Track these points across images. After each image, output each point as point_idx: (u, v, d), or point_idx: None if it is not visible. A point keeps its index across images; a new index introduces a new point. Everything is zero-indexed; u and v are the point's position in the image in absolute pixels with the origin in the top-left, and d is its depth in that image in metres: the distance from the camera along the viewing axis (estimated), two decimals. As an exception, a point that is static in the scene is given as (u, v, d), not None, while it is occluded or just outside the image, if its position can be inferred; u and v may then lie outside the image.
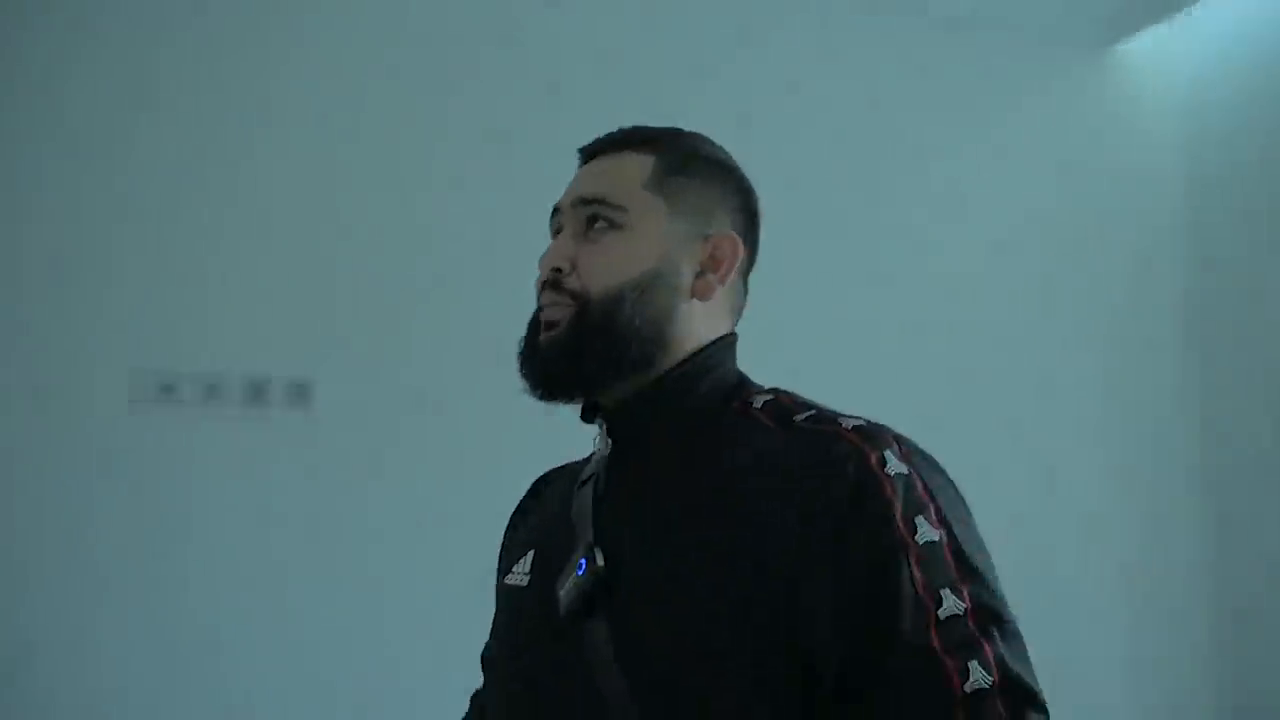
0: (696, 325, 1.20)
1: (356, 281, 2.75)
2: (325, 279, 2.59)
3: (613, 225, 1.19)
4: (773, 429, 1.11)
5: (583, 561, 1.11)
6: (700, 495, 1.10)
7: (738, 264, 1.22)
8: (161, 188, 2.86)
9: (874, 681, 0.97)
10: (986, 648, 0.97)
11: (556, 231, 1.23)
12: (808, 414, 1.11)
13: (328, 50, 3.03)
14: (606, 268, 1.17)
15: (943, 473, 1.08)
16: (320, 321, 2.64)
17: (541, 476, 1.38)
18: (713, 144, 1.28)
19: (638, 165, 1.21)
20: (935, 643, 0.97)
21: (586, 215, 1.20)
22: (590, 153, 1.26)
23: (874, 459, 1.03)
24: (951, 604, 0.98)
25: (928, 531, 1.00)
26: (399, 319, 2.95)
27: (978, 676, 0.95)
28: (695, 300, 1.20)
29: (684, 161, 1.23)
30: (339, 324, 2.61)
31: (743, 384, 1.21)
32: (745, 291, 1.27)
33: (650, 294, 1.17)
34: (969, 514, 1.08)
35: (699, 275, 1.20)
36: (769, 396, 1.16)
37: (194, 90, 2.92)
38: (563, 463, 1.34)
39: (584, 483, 1.20)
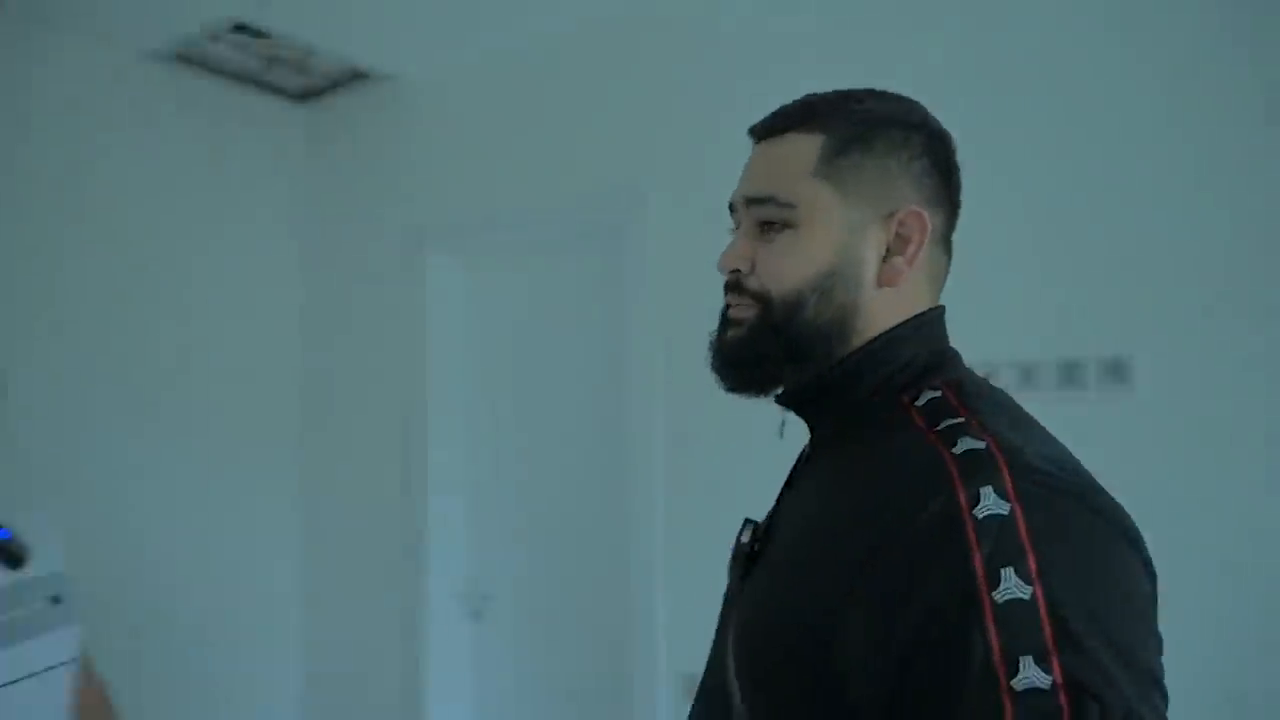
0: (884, 312, 1.12)
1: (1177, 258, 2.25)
2: (1140, 255, 2.23)
3: (786, 224, 1.12)
4: (917, 431, 1.02)
5: (745, 534, 1.16)
6: (827, 491, 1.08)
7: (929, 236, 1.12)
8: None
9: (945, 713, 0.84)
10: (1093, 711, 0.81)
11: (736, 227, 1.18)
12: (950, 422, 1.00)
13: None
14: (782, 270, 1.12)
15: (1088, 522, 0.90)
16: (1137, 298, 2.25)
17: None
18: (889, 99, 1.17)
19: (804, 150, 1.13)
20: (1007, 710, 0.82)
21: (757, 215, 1.14)
22: (758, 134, 1.17)
23: (964, 496, 0.90)
24: (1032, 674, 0.82)
25: (1014, 587, 0.85)
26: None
27: None
28: (885, 290, 1.12)
29: (855, 136, 1.13)
30: (1156, 299, 2.22)
31: (929, 371, 1.10)
32: (948, 255, 1.17)
33: (832, 292, 1.11)
34: (1118, 577, 0.89)
35: (885, 259, 1.12)
36: (936, 394, 1.06)
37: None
38: None
39: (799, 458, 1.22)
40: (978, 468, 0.91)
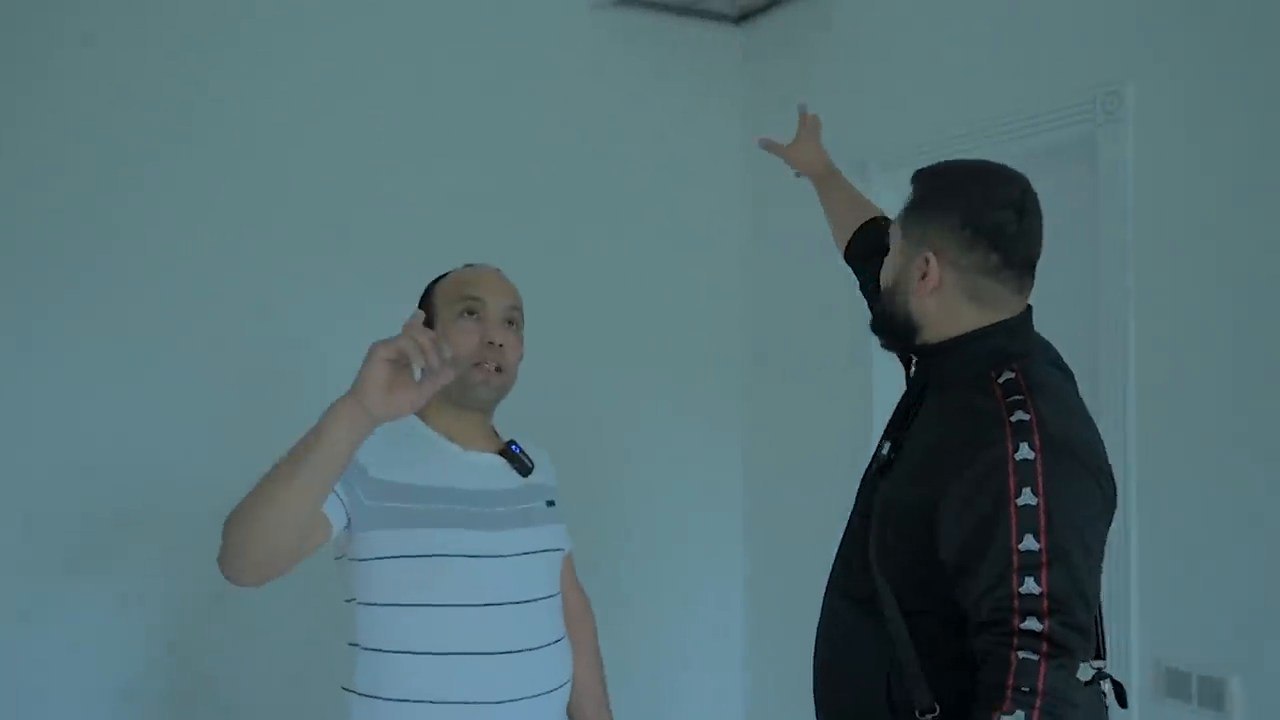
0: (932, 314, 1.76)
1: None
2: None
3: (890, 245, 1.84)
4: (994, 399, 1.63)
5: (886, 445, 1.81)
6: (932, 428, 1.73)
7: (945, 274, 1.73)
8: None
9: (975, 573, 1.57)
10: (1043, 571, 1.53)
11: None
12: (1014, 398, 1.62)
13: None
14: (884, 273, 1.85)
15: (1074, 471, 1.60)
16: None
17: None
18: (956, 174, 1.81)
19: (905, 202, 1.81)
20: (1013, 560, 1.54)
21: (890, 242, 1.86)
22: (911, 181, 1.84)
23: (1011, 448, 1.57)
24: (1029, 542, 1.54)
25: (1028, 497, 1.54)
26: None
27: (1030, 586, 1.53)
28: (922, 298, 1.76)
29: (918, 201, 1.79)
30: None
31: (1010, 358, 1.70)
32: (996, 282, 1.73)
33: (896, 295, 1.80)
34: (1084, 500, 1.61)
35: (921, 280, 1.75)
36: (1012, 375, 1.66)
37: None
38: None
39: (909, 394, 1.87)
40: (1022, 432, 1.57)
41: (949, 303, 1.75)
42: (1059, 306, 2.77)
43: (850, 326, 3.31)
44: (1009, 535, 1.55)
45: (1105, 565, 1.68)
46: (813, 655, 1.90)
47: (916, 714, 1.65)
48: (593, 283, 3.56)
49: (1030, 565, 1.53)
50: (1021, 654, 1.52)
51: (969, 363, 1.72)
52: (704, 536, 3.74)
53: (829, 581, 1.89)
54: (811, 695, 1.90)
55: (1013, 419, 1.59)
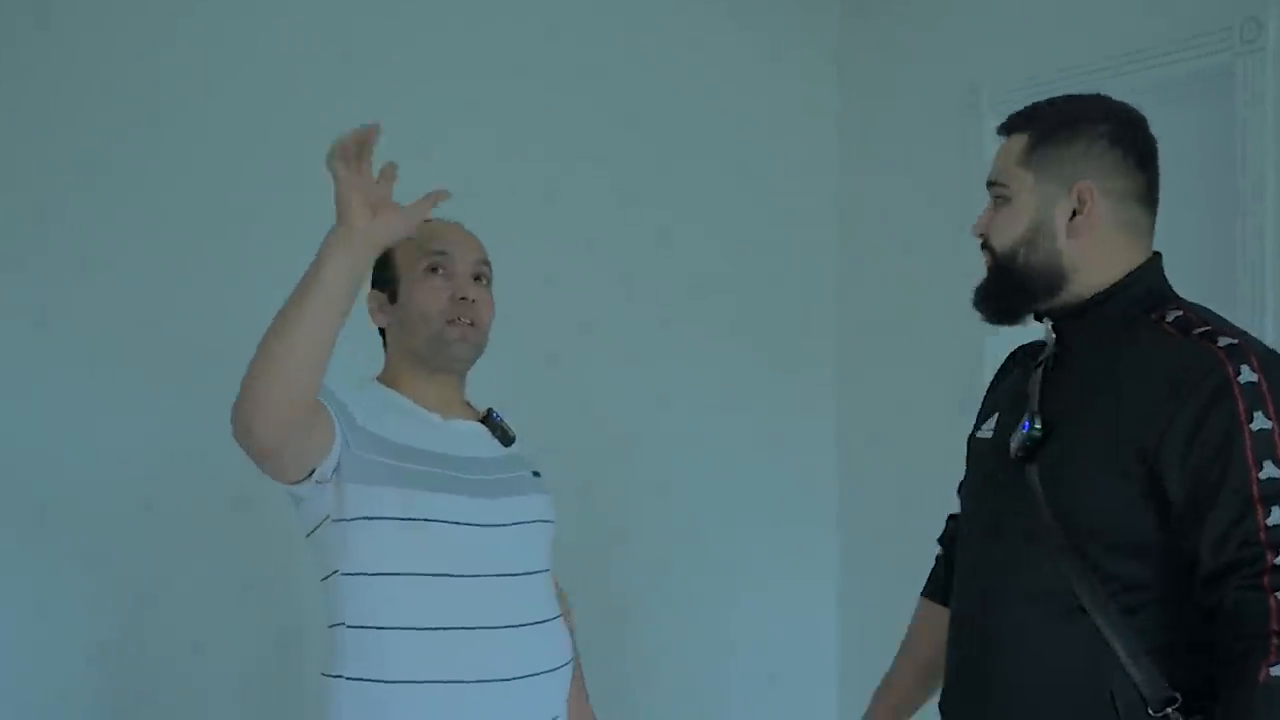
0: (1093, 257, 1.66)
1: None
2: None
3: (1004, 200, 1.70)
4: (1173, 336, 1.58)
5: (1026, 423, 1.66)
6: (1108, 382, 1.62)
7: (1105, 203, 1.65)
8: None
9: (1211, 514, 1.48)
10: None
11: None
12: (1203, 329, 1.57)
13: None
14: (1000, 232, 1.70)
15: None
16: None
17: (1012, 352, 1.91)
18: (1085, 102, 1.76)
19: (1016, 146, 1.69)
20: (1254, 490, 1.46)
21: (991, 193, 1.73)
22: (1000, 132, 1.75)
23: (1231, 371, 1.50)
24: (1270, 470, 1.46)
25: (1261, 421, 1.48)
26: None
27: (1277, 516, 1.45)
28: (1078, 239, 1.65)
29: (1049, 133, 1.67)
30: None
31: (1165, 299, 1.66)
32: (1148, 212, 1.69)
33: (1034, 246, 1.66)
34: None
35: (1072, 220, 1.65)
36: (1179, 312, 1.61)
37: None
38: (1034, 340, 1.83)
39: (1038, 365, 1.74)
40: (1237, 354, 1.53)
41: (1105, 238, 1.66)
42: (1193, 246, 2.68)
43: (960, 289, 3.14)
44: (1246, 465, 1.46)
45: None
46: (973, 680, 1.72)
47: (1151, 712, 1.52)
48: (670, 241, 3.39)
49: (1275, 494, 1.45)
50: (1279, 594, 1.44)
51: (1129, 307, 1.65)
52: (792, 528, 3.55)
53: (981, 595, 1.72)
54: None
55: (1220, 344, 1.53)
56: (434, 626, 1.83)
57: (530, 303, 3.07)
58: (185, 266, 2.74)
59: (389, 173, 1.67)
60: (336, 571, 1.87)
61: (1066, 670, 1.58)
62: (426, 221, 1.97)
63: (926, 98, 3.38)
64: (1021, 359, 1.84)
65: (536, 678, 1.88)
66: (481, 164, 3.04)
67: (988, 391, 1.90)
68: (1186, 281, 1.75)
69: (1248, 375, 1.49)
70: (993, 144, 2.99)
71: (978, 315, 1.76)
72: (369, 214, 1.63)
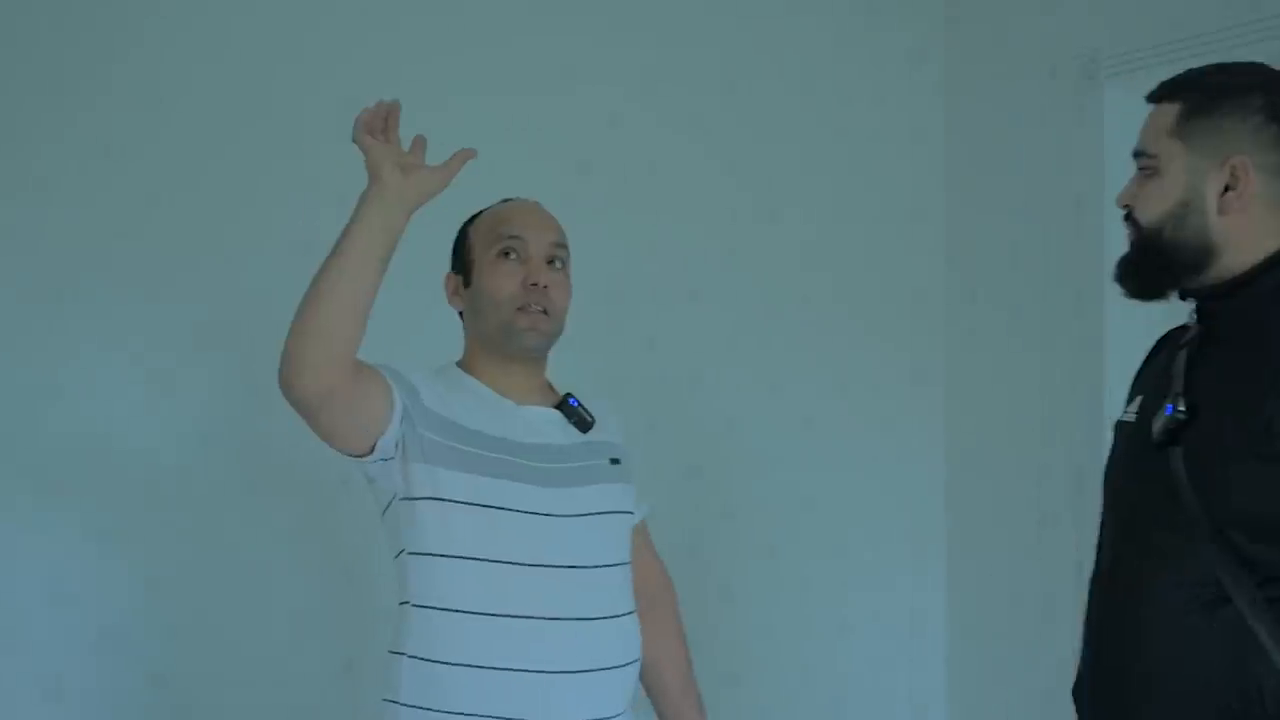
0: (1246, 233, 1.61)
1: None
2: None
3: (1153, 171, 1.66)
4: None
5: (1169, 406, 1.62)
6: (1255, 363, 1.58)
7: (1260, 178, 1.60)
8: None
9: None
10: None
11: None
12: None
13: None
14: (1147, 204, 1.67)
15: None
16: None
17: (1161, 337, 1.82)
18: (1233, 69, 1.74)
19: (1167, 116, 1.65)
20: None
21: (1139, 164, 1.69)
22: (1149, 99, 1.70)
23: None
24: None
25: None
26: None
27: None
28: (1230, 216, 1.61)
29: (1203, 103, 1.62)
30: None
31: None
32: None
33: (1183, 220, 1.62)
34: None
35: (1225, 194, 1.61)
36: None
37: None
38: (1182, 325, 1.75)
39: (1182, 347, 1.69)
40: None
41: (1257, 216, 1.63)
42: None
43: (1076, 261, 3.11)
44: None
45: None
46: (1112, 671, 1.70)
47: None
48: (773, 214, 3.33)
49: None
50: None
51: (1278, 287, 1.61)
52: (900, 508, 3.48)
53: (1123, 584, 1.69)
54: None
55: None
56: (494, 613, 1.85)
57: (631, 280, 3.05)
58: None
59: (419, 143, 1.74)
60: (404, 550, 1.91)
61: (1211, 662, 1.54)
62: (504, 201, 2.05)
63: (1040, 63, 3.26)
64: (1169, 342, 1.78)
65: (597, 673, 1.88)
66: (590, 137, 3.05)
67: (1136, 376, 1.85)
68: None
69: None
70: (1112, 112, 3.05)
71: (1119, 290, 1.73)
72: (400, 174, 1.69)
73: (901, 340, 3.44)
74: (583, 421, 2.01)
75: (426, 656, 1.86)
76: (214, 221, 2.74)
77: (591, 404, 2.06)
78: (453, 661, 1.85)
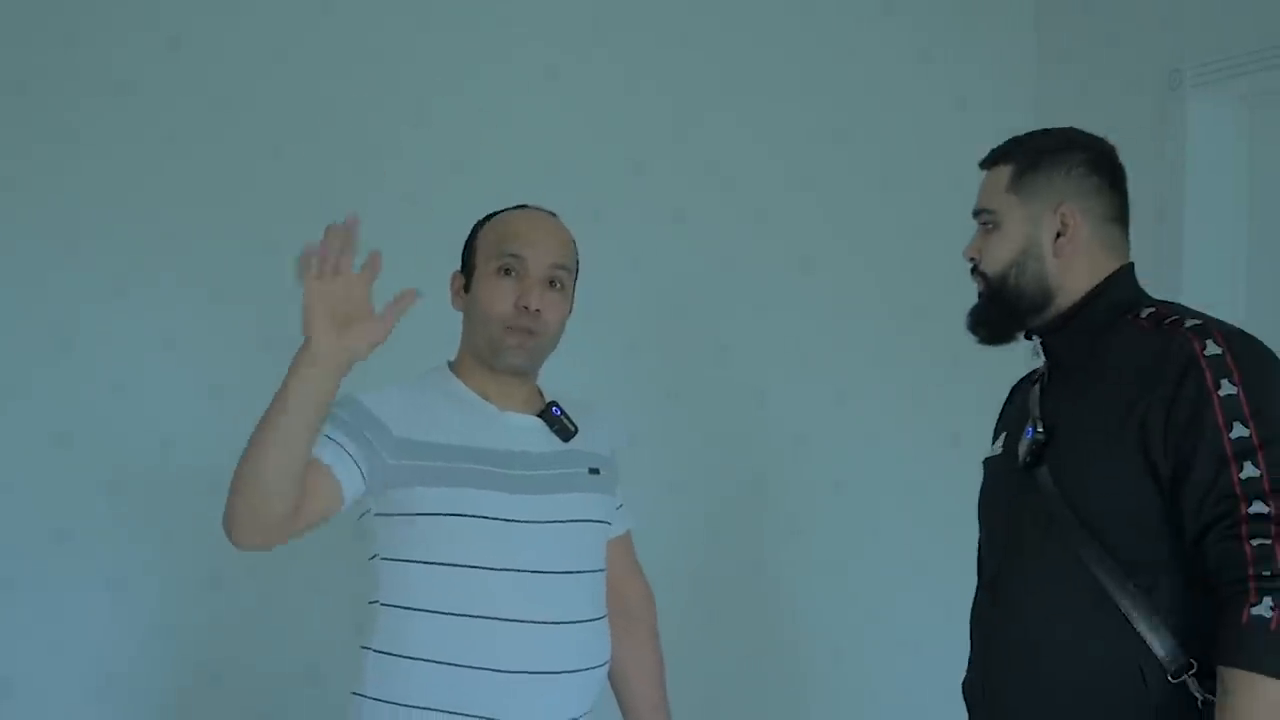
0: (1076, 273, 1.84)
1: None
2: None
3: (994, 226, 1.88)
4: (1148, 330, 1.77)
5: (1029, 430, 1.86)
6: (1096, 379, 1.80)
7: (1085, 223, 1.83)
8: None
9: (1188, 474, 1.66)
10: (1259, 454, 1.62)
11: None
12: (1172, 318, 1.75)
13: None
14: (992, 256, 1.88)
15: (1264, 357, 1.73)
16: None
17: (1015, 384, 2.06)
18: (1059, 134, 1.93)
19: (1002, 176, 1.88)
20: (1227, 449, 1.63)
21: (980, 220, 1.91)
22: (983, 165, 1.93)
23: (1198, 346, 1.68)
24: (1239, 429, 1.63)
25: (1228, 388, 1.65)
26: None
27: (1249, 470, 1.62)
28: (1063, 259, 1.84)
29: (1033, 162, 1.86)
30: None
31: (1138, 300, 1.85)
32: (1123, 232, 1.88)
33: (1024, 267, 1.85)
34: (1275, 378, 1.70)
35: (1057, 240, 1.84)
36: (1152, 309, 1.81)
37: None
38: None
39: (1034, 383, 1.94)
40: (1202, 332, 1.70)
41: (1086, 256, 1.84)
42: None
43: (1156, 276, 2.98)
44: (1218, 428, 1.63)
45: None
46: (992, 670, 1.88)
47: (1170, 680, 1.67)
48: (847, 224, 3.30)
49: (1245, 450, 1.62)
50: (1255, 541, 1.59)
51: (1109, 308, 1.82)
52: (970, 529, 3.38)
53: (996, 580, 1.90)
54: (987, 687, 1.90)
55: (1187, 326, 1.72)
56: (459, 613, 1.88)
57: (701, 291, 3.02)
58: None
59: (372, 264, 1.66)
60: (376, 555, 1.97)
61: (1094, 654, 1.72)
62: (518, 208, 2.06)
63: (1126, 77, 3.26)
64: (1022, 386, 2.01)
65: (559, 675, 1.91)
66: (654, 142, 3.05)
67: (998, 419, 2.06)
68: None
69: (1213, 349, 1.66)
70: (1200, 124, 3.11)
71: (973, 337, 1.93)
72: (333, 331, 1.63)
73: (975, 359, 3.35)
74: (564, 430, 2.01)
75: (391, 651, 1.90)
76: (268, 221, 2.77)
77: (582, 413, 2.08)
78: (416, 657, 1.88)
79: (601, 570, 2.03)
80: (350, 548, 2.01)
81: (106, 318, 2.67)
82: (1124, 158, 2.09)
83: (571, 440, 2.02)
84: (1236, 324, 2.67)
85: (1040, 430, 1.83)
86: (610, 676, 2.09)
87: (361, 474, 1.87)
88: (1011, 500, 1.88)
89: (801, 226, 3.21)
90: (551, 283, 1.98)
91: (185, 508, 2.63)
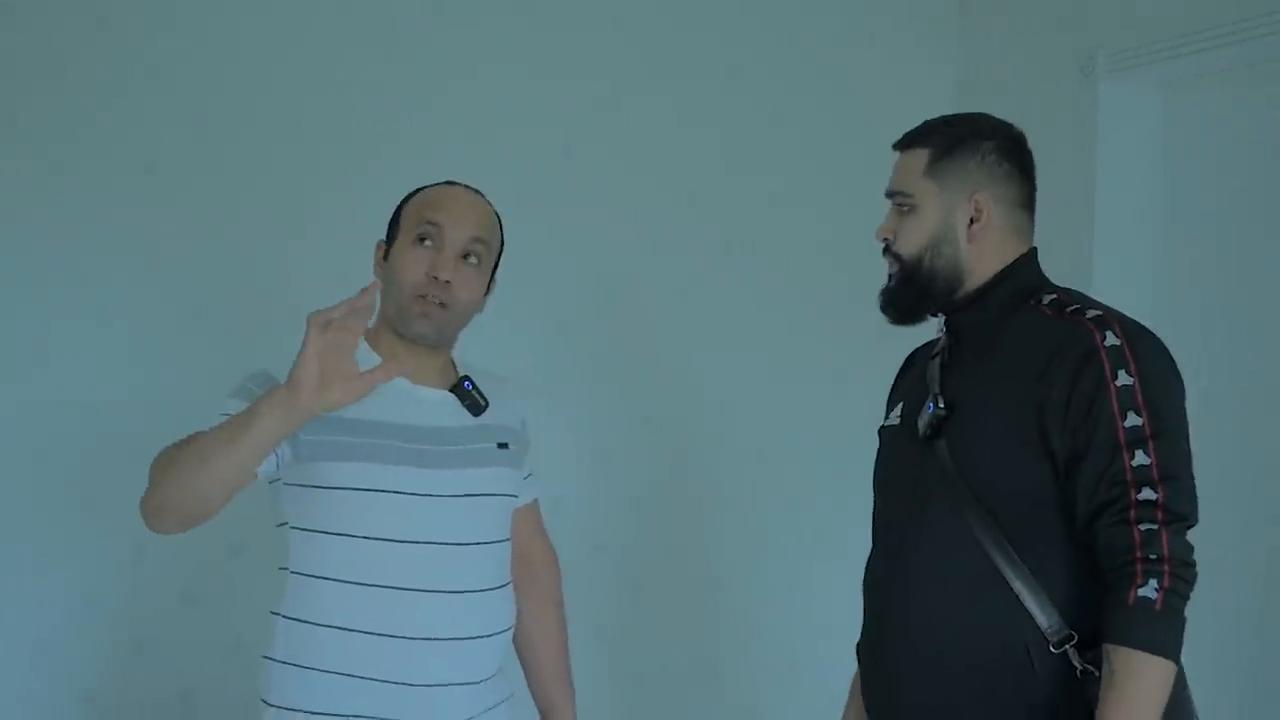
0: (988, 256, 1.91)
1: None
2: None
3: (911, 209, 1.93)
4: (1049, 317, 1.85)
5: (930, 405, 1.91)
6: (998, 361, 1.88)
7: (997, 209, 1.90)
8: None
9: (1083, 459, 1.75)
10: (1150, 444, 1.71)
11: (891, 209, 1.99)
12: (1074, 307, 1.84)
13: None
14: (908, 240, 1.93)
15: (1160, 352, 1.81)
16: None
17: (909, 355, 2.13)
18: (978, 121, 1.98)
19: (918, 159, 1.93)
20: (1120, 438, 1.72)
21: (895, 202, 1.96)
22: (897, 147, 1.98)
23: (1099, 337, 1.76)
24: (1133, 419, 1.72)
25: (1124, 378, 1.73)
26: None
27: (1140, 459, 1.71)
28: (975, 243, 1.91)
29: (949, 148, 1.91)
30: None
31: (1041, 286, 1.92)
32: (1029, 217, 1.96)
33: (939, 250, 1.91)
34: (1173, 379, 1.80)
35: (970, 226, 1.90)
36: (1054, 295, 1.88)
37: None
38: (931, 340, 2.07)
39: (934, 357, 2.00)
40: (1102, 324, 1.79)
41: (997, 241, 1.92)
42: None
43: (1062, 258, 3.10)
44: (1112, 416, 1.71)
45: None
46: (886, 633, 1.95)
47: (1052, 650, 1.76)
48: (780, 206, 3.37)
49: (1138, 439, 1.70)
50: (1142, 526, 1.68)
51: (1014, 292, 1.90)
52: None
53: (892, 549, 1.97)
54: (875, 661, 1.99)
55: (1088, 316, 1.80)
56: (363, 582, 1.93)
57: (631, 272, 3.08)
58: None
59: (364, 306, 1.73)
60: (286, 523, 2.00)
61: (981, 622, 1.80)
62: (446, 184, 2.10)
63: (1044, 63, 3.33)
64: (919, 357, 2.08)
65: (461, 641, 1.96)
66: (580, 125, 3.10)
67: (892, 389, 2.13)
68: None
69: (1111, 340, 1.74)
70: (1108, 116, 3.19)
71: (885, 317, 1.99)
72: (319, 393, 1.70)
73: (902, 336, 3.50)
74: (475, 405, 2.05)
75: (300, 618, 1.95)
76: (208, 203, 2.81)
77: (495, 385, 2.12)
78: (323, 623, 1.93)
79: (506, 540, 2.08)
80: (269, 516, 2.03)
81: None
82: (1039, 143, 2.15)
83: (482, 415, 2.06)
84: (1145, 309, 2.78)
85: (941, 406, 1.89)
86: (515, 642, 2.15)
87: (275, 456, 1.91)
88: (909, 470, 1.94)
89: (730, 209, 3.27)
90: (467, 256, 2.00)
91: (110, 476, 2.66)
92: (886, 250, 1.96)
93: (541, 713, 2.25)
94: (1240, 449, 3.08)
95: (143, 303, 2.76)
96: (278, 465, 1.93)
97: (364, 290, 1.73)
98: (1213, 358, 3.03)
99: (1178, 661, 1.70)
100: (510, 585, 2.08)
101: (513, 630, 2.10)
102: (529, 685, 2.25)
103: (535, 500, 2.26)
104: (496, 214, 2.10)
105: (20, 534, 2.66)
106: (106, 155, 2.74)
